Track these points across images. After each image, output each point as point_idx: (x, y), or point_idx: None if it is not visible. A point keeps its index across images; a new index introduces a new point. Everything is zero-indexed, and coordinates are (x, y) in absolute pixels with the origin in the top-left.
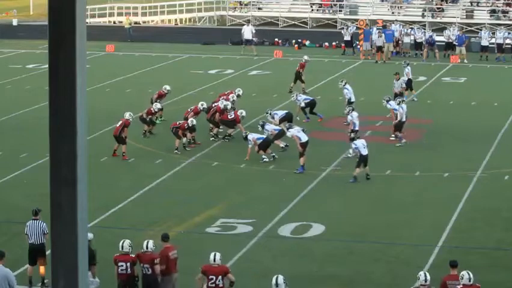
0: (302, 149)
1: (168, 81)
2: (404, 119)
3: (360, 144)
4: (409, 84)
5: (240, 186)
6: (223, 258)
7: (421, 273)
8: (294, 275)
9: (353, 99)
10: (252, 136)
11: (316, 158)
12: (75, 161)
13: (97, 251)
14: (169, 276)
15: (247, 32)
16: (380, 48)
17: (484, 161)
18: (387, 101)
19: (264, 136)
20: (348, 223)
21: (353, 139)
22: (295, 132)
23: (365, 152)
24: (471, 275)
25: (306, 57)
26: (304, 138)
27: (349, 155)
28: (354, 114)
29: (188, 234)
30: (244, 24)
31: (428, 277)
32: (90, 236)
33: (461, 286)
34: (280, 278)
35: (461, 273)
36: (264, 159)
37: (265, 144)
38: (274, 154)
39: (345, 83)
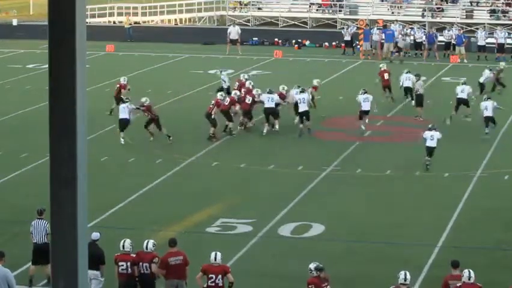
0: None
1: (168, 81)
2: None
3: (429, 135)
4: (482, 87)
5: (240, 186)
6: (223, 258)
7: (401, 272)
8: (293, 275)
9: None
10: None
11: (317, 158)
12: (75, 161)
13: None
14: (170, 281)
15: (234, 32)
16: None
17: (484, 161)
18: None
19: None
20: (348, 223)
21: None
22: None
23: (430, 143)
24: (472, 274)
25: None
26: None
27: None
28: (361, 96)
29: (188, 234)
30: (231, 25)
31: (408, 276)
32: (97, 235)
33: (461, 284)
34: (312, 266)
35: (463, 271)
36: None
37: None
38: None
39: (365, 93)
